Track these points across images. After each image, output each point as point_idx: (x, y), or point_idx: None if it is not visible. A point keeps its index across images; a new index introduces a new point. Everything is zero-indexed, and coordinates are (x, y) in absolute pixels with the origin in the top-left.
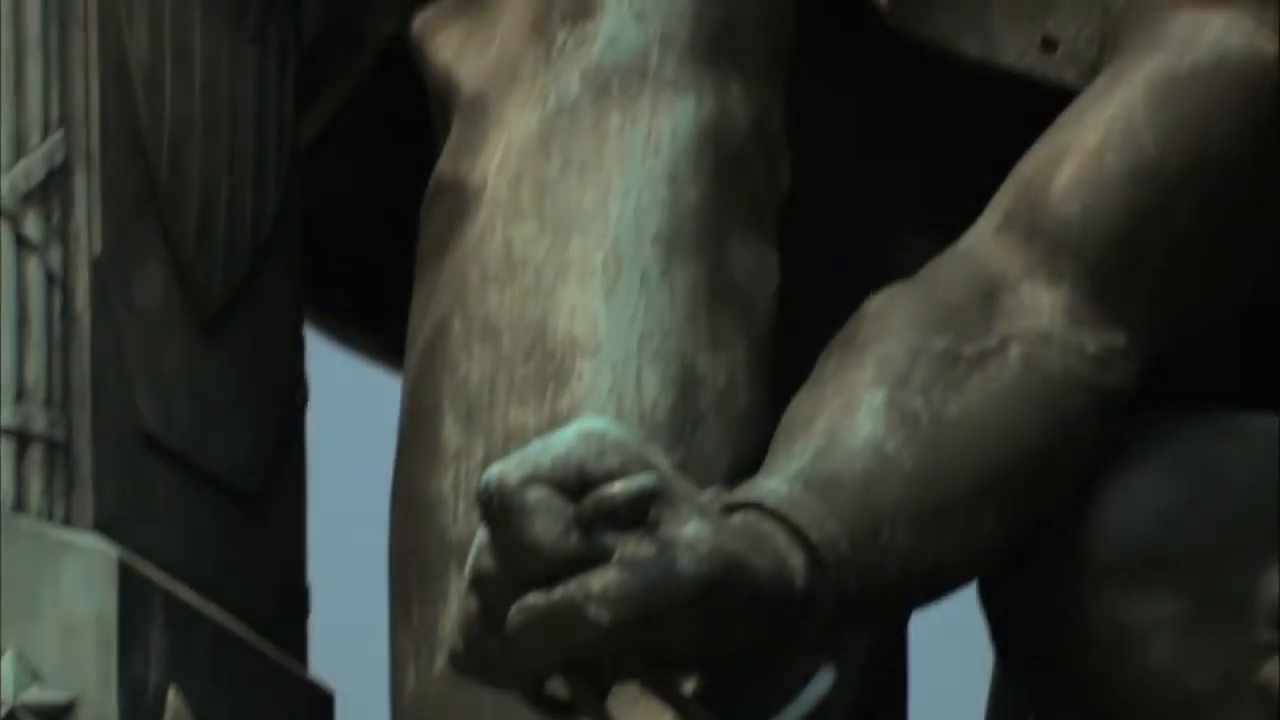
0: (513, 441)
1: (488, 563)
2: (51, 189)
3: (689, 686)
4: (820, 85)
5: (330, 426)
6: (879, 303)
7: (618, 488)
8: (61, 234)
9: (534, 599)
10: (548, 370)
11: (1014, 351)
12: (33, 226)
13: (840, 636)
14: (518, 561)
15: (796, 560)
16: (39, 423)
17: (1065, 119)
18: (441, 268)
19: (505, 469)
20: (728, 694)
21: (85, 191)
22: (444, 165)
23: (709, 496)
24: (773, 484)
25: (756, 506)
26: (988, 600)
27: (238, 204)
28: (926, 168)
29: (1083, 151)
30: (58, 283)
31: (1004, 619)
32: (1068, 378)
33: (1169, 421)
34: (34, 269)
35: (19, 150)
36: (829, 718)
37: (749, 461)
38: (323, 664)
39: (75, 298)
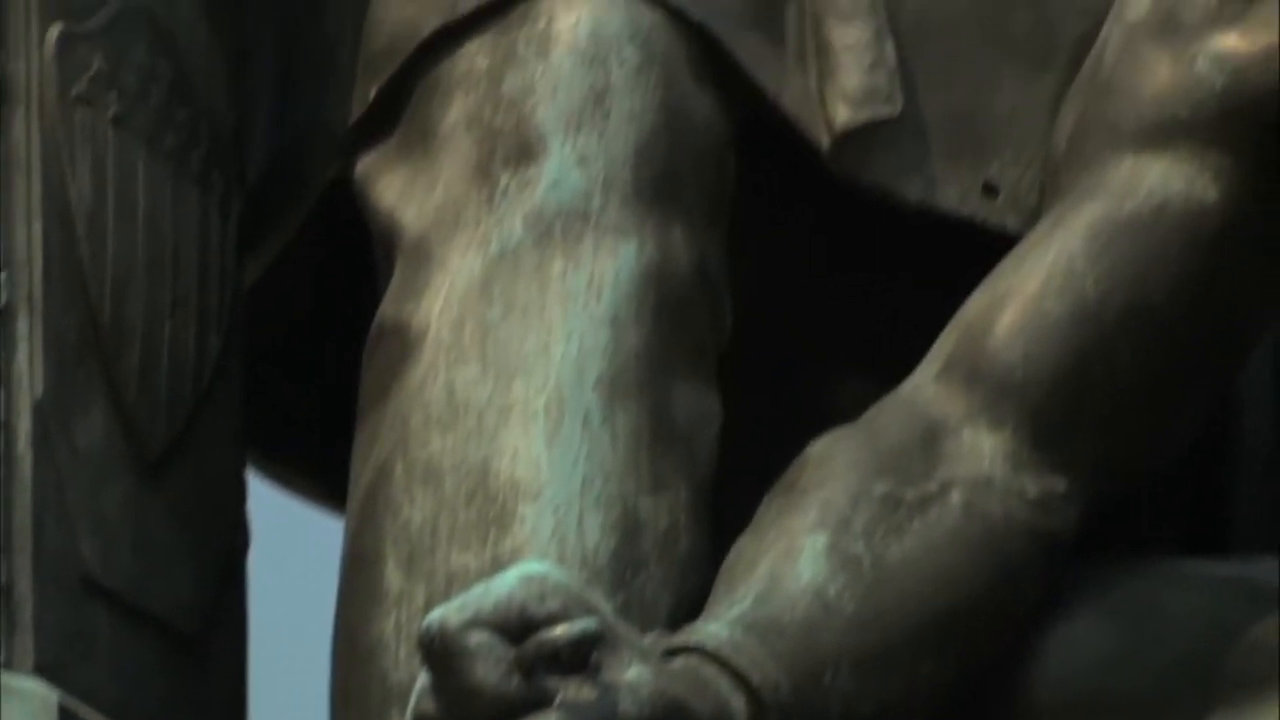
0: (455, 585)
1: (429, 706)
2: None
3: None
4: (762, 229)
5: (271, 569)
6: (821, 447)
7: (559, 631)
8: (3, 376)
9: None
10: (490, 514)
11: (955, 497)
12: None
13: None
14: (460, 705)
15: (738, 703)
16: None
17: (1006, 264)
18: (384, 411)
19: (447, 613)
20: None
21: (27, 333)
22: (387, 308)
23: (650, 640)
24: (714, 628)
25: (698, 650)
26: None
27: (180, 346)
28: (868, 311)
29: (1024, 297)
30: None
31: None
32: (1009, 523)
33: (1110, 567)
34: None
35: None
36: None
37: (691, 605)
38: None
39: (17, 440)
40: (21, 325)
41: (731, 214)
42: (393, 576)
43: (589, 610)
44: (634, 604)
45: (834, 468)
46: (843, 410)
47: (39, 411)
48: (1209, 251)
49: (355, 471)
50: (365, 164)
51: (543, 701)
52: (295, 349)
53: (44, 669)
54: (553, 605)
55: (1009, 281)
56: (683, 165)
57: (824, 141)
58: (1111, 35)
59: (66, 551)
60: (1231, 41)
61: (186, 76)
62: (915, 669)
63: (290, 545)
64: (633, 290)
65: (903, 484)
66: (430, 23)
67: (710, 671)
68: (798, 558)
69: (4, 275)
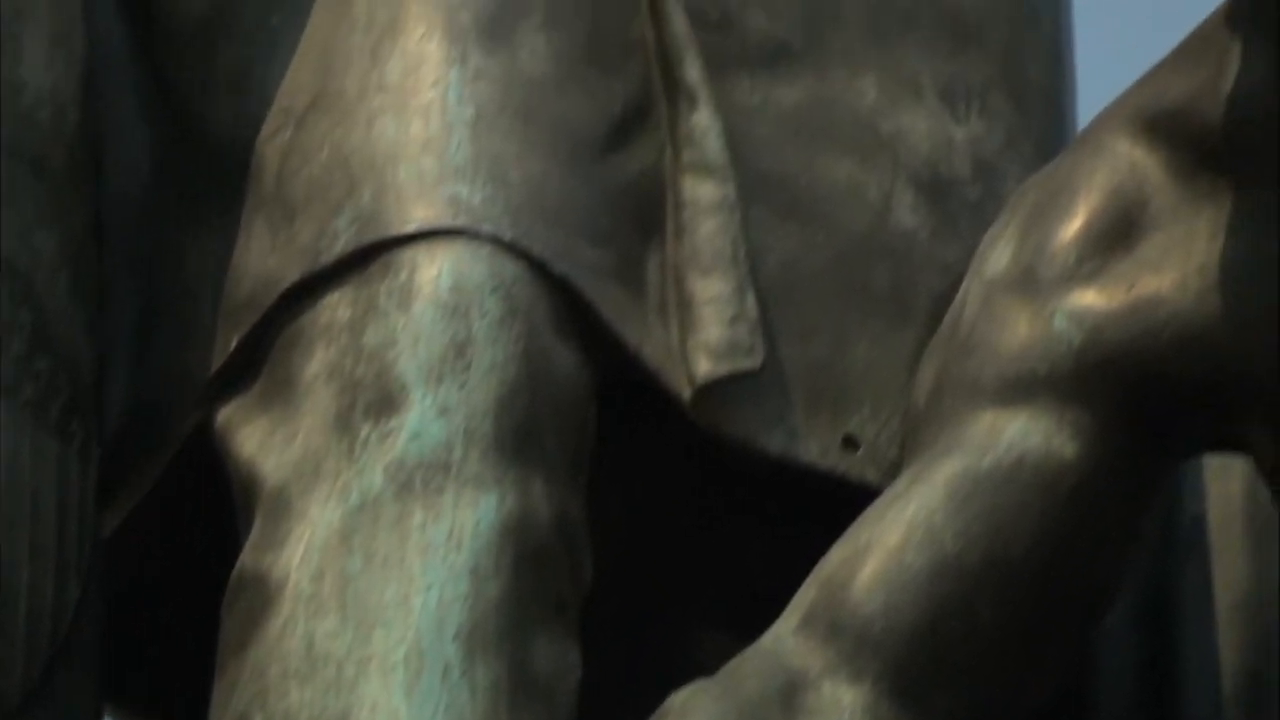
0: None
1: None
2: None
3: None
4: (624, 479)
5: None
6: (682, 699)
7: None
8: None
9: None
10: None
11: None
12: None
13: None
14: None
15: None
16: None
17: (867, 517)
18: (243, 662)
19: None
20: None
21: None
22: (246, 559)
23: None
24: None
25: None
26: None
27: (38, 596)
28: (729, 562)
29: (884, 550)
30: None
31: None
32: None
33: None
34: None
35: None
36: None
37: None
38: None
39: None
40: None
41: (594, 464)
42: None
43: None
44: None
45: None
46: (703, 662)
47: None
48: (1067, 505)
49: None
50: (226, 414)
51: None
52: (154, 598)
53: None
54: None
55: (870, 534)
56: (544, 417)
57: (685, 394)
58: (970, 291)
59: None
60: (1089, 298)
61: (46, 325)
62: None
63: None
64: (493, 542)
65: None
66: (292, 273)
67: None
68: None
69: None
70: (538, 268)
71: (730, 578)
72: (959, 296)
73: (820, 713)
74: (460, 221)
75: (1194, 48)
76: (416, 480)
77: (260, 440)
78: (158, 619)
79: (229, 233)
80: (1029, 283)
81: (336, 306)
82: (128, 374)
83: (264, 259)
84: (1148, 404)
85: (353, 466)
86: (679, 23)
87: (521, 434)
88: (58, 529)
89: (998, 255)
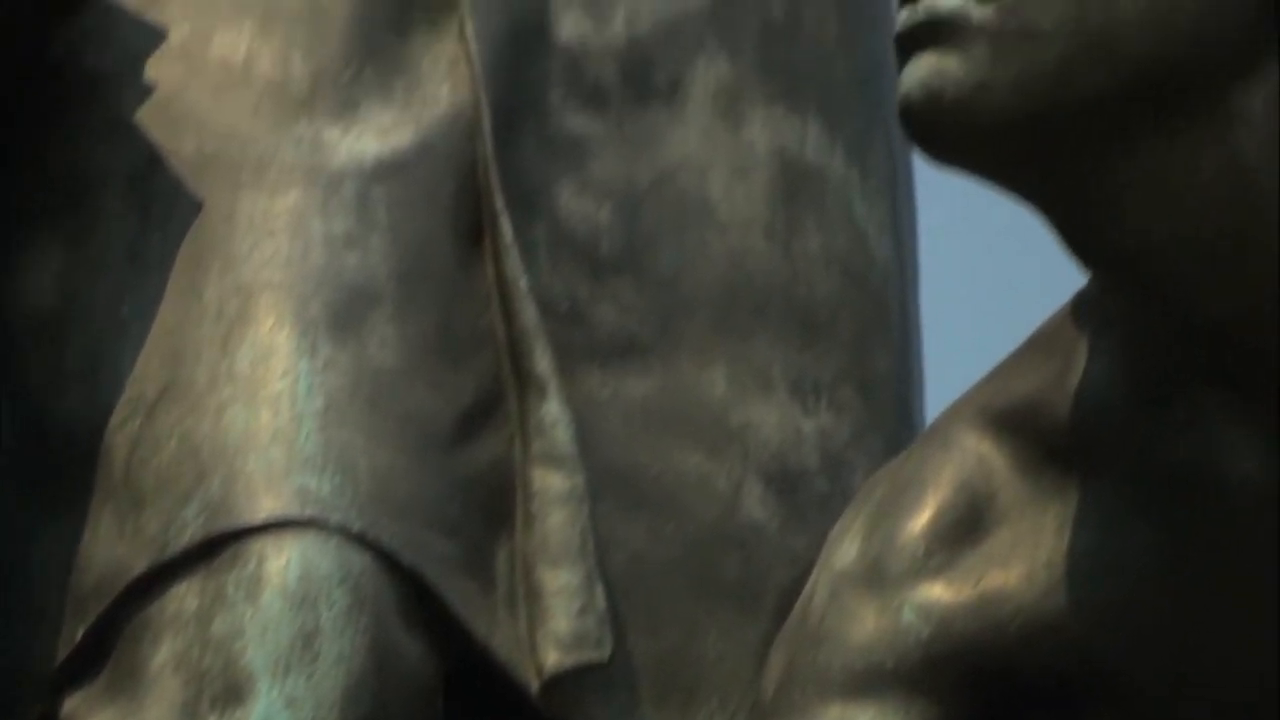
0: None
1: None
2: None
3: None
4: None
5: None
6: None
7: None
8: None
9: None
10: None
11: None
12: None
13: None
14: None
15: None
16: None
17: None
18: None
19: None
20: None
21: None
22: None
23: None
24: None
25: None
26: None
27: None
28: None
29: None
30: None
31: None
32: None
33: None
34: None
35: None
36: None
37: None
38: None
39: None
40: None
41: None
42: None
43: None
44: None
45: None
46: None
47: None
48: None
49: None
50: (72, 705)
51: None
52: None
53: None
54: None
55: None
56: (392, 707)
57: (534, 685)
58: (819, 582)
59: None
60: (936, 591)
61: None
62: None
63: None
64: None
65: None
66: (139, 563)
67: None
68: None
69: None
70: (386, 559)
71: None
72: (807, 587)
73: None
74: (309, 512)
75: (1040, 344)
76: None
77: None
78: None
79: (77, 521)
80: (877, 575)
81: (184, 596)
82: None
83: (111, 548)
84: (995, 697)
85: None
86: (529, 315)
87: None
88: None
89: (846, 547)
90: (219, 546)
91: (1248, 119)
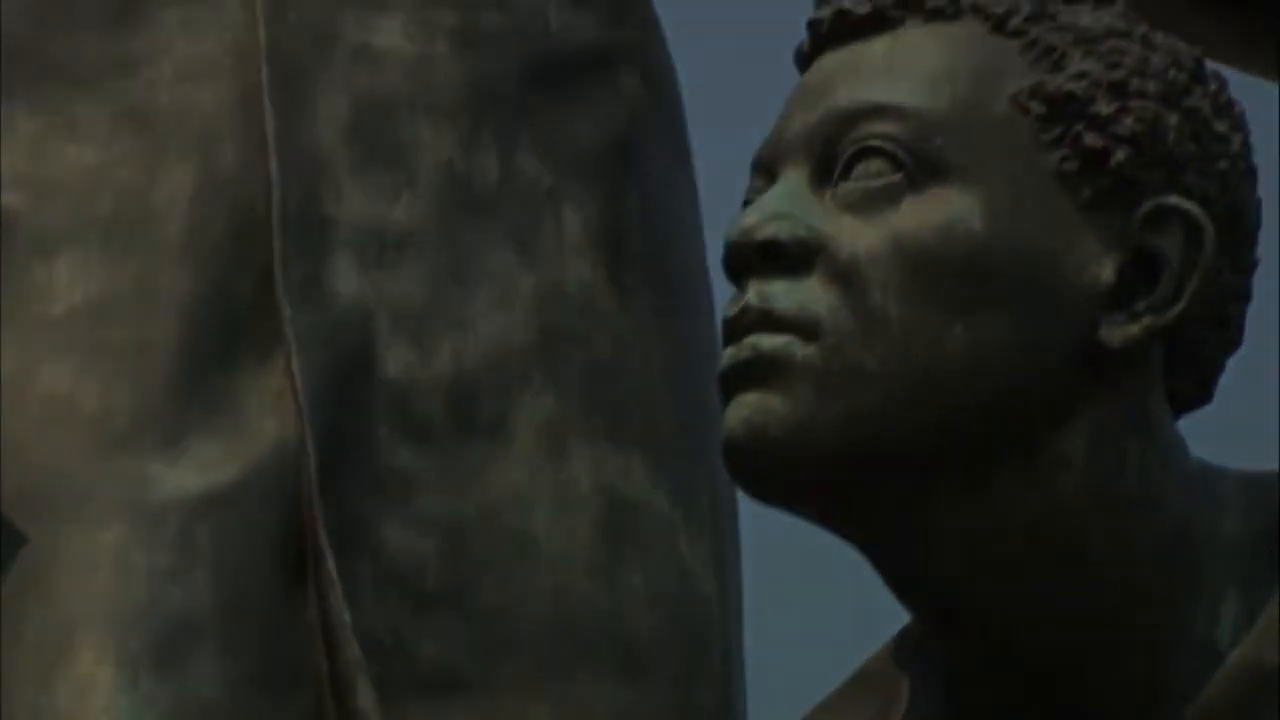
0: None
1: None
2: None
3: None
4: None
5: None
6: None
7: None
8: None
9: None
10: None
11: None
12: None
13: None
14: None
15: None
16: None
17: None
18: None
19: None
20: None
21: None
22: None
23: None
24: None
25: None
26: None
27: None
28: None
29: None
30: None
31: None
32: None
33: None
34: None
35: None
36: None
37: None
38: None
39: None
40: None
41: None
42: None
43: None
44: None
45: None
46: None
47: None
48: None
49: None
50: None
51: None
52: None
53: None
54: None
55: None
56: None
57: None
58: None
59: None
60: None
61: None
62: None
63: None
64: None
65: None
66: None
67: None
68: None
69: None
70: None
71: None
72: None
73: None
74: None
75: (862, 680)
76: None
77: None
78: None
79: None
80: None
81: None
82: None
83: None
84: None
85: None
86: (352, 652)
87: None
88: None
89: None
90: None
91: (1069, 462)
